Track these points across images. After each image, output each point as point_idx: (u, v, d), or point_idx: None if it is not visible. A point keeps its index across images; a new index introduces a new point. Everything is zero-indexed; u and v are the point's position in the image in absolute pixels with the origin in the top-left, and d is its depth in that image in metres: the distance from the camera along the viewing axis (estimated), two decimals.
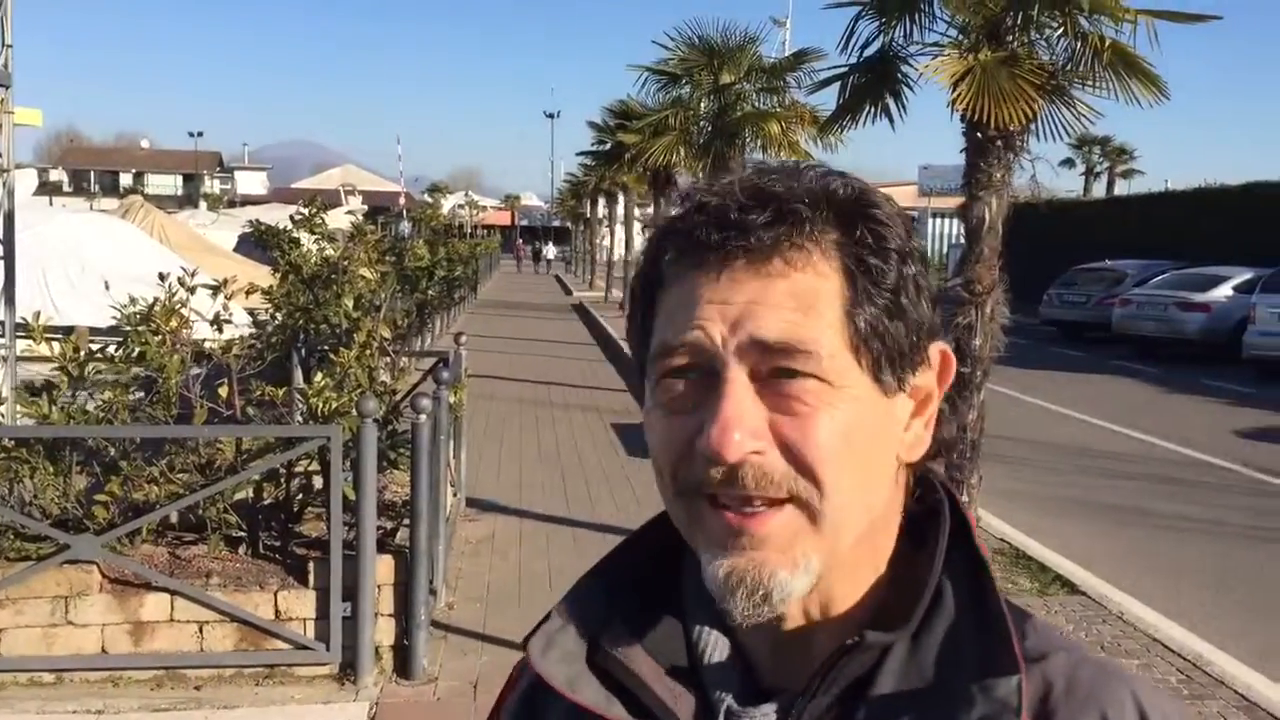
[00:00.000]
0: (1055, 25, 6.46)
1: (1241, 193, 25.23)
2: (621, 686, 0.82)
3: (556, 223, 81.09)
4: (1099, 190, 47.57)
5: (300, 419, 5.69)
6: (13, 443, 5.23)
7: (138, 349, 5.51)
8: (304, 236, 8.25)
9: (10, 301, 7.69)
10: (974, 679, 0.76)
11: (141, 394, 5.55)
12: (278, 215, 15.79)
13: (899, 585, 0.82)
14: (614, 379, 15.51)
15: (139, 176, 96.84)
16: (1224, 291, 18.75)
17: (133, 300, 5.71)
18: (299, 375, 7.24)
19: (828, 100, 9.87)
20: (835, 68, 7.55)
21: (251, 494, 5.40)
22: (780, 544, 0.76)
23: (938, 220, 42.70)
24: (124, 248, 12.96)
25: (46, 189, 69.09)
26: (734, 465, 0.74)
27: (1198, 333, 18.64)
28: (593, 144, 27.98)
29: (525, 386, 14.25)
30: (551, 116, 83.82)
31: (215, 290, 6.11)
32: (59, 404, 5.26)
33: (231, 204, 66.06)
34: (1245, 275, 18.68)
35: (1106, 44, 6.30)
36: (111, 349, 5.66)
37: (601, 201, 40.48)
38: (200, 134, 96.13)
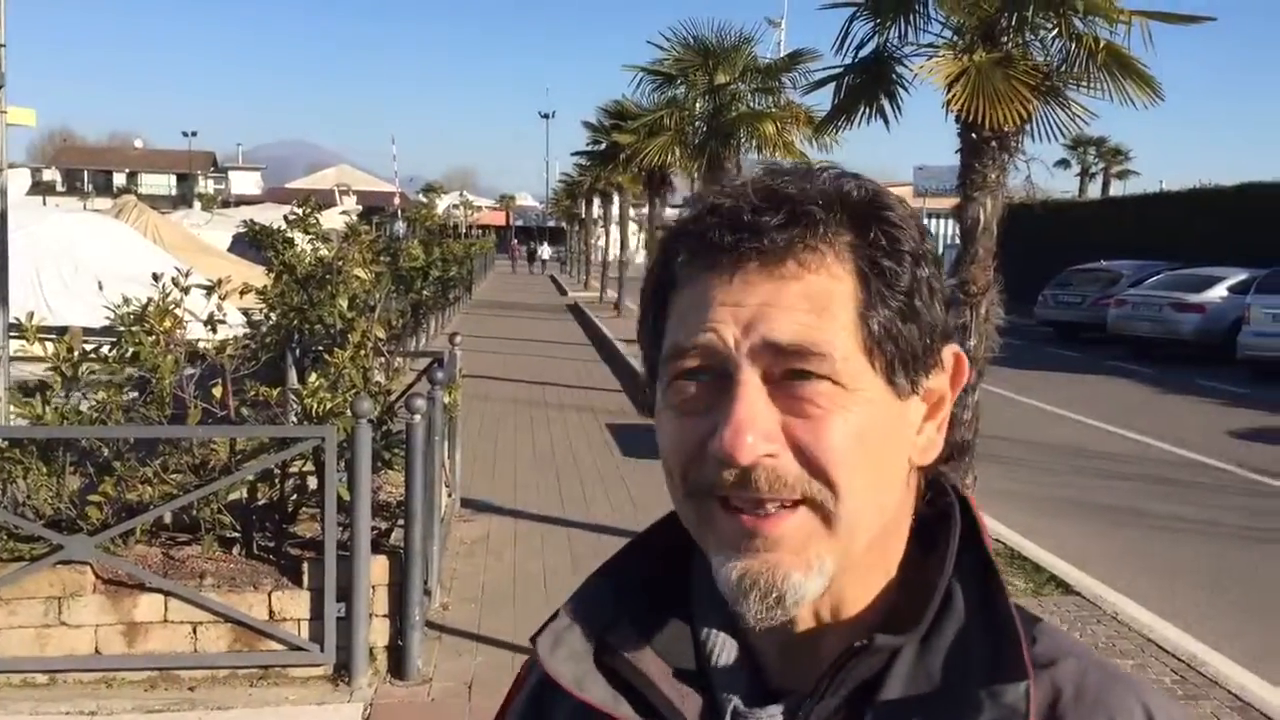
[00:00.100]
0: (1050, 26, 6.47)
1: (1236, 193, 25.34)
2: (629, 686, 0.82)
3: (551, 223, 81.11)
4: (1094, 191, 47.75)
5: (295, 419, 5.68)
6: (6, 443, 5.21)
7: (131, 349, 5.49)
8: (298, 236, 8.24)
9: (3, 301, 7.65)
10: (982, 684, 0.75)
11: (135, 394, 5.54)
12: (272, 215, 15.77)
13: (909, 588, 0.82)
14: (609, 379, 15.51)
15: (133, 176, 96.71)
16: (1219, 292, 18.80)
17: (126, 300, 5.69)
18: (293, 375, 7.23)
19: (823, 101, 9.90)
20: (830, 68, 7.58)
21: (246, 494, 5.38)
22: (794, 546, 0.75)
23: (933, 221, 42.65)
24: (118, 248, 12.91)
25: (40, 189, 68.95)
26: (747, 468, 0.74)
27: (1193, 333, 18.68)
28: (588, 144, 28.03)
29: (520, 387, 14.25)
30: (547, 117, 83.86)
31: (209, 290, 6.10)
32: (53, 404, 5.24)
33: (225, 204, 66.06)
34: (1240, 276, 18.73)
35: (1101, 45, 6.31)
36: (105, 349, 5.64)
37: (596, 202, 40.50)
38: (194, 133, 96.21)
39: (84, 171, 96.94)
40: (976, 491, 6.72)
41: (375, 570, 5.04)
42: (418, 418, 5.24)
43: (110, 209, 21.74)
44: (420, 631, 5.12)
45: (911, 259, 0.78)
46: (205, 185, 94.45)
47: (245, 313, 7.77)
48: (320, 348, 7.01)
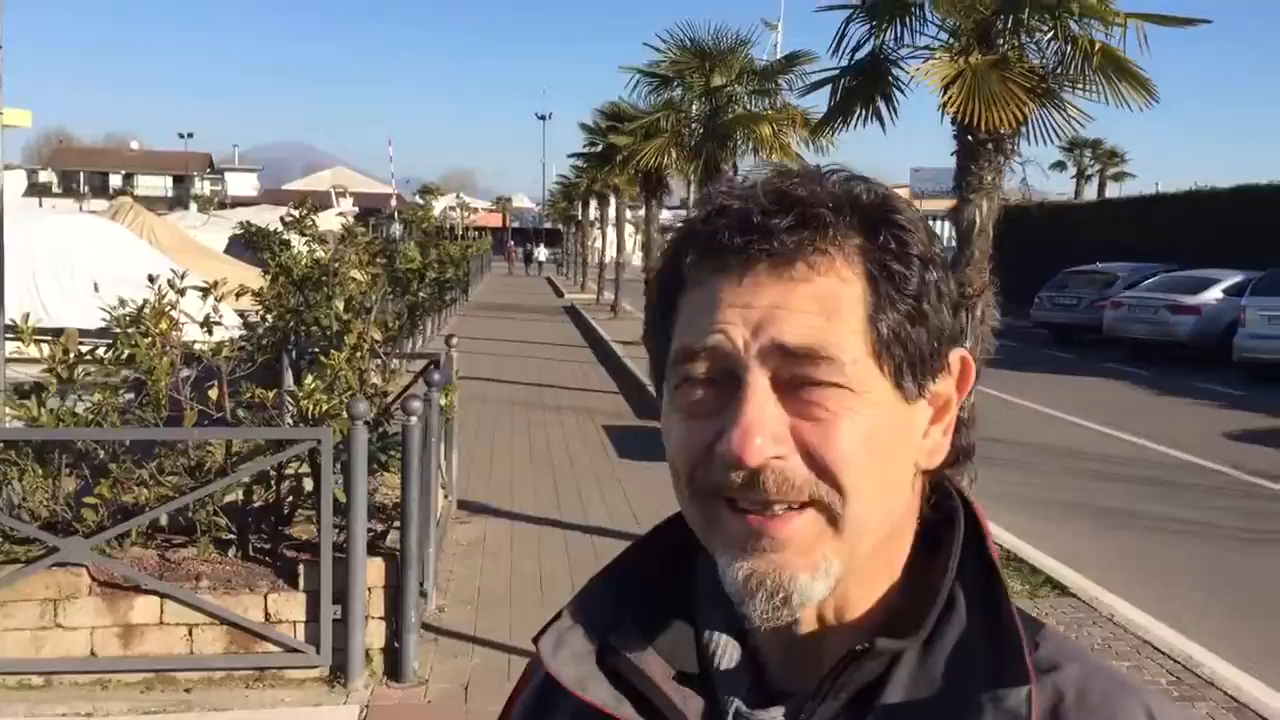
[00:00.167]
0: (1045, 29, 6.48)
1: (1232, 195, 25.39)
2: (631, 687, 0.82)
3: (548, 225, 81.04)
4: (1090, 193, 47.73)
5: (290, 421, 5.67)
6: (1, 445, 5.20)
7: (127, 351, 5.49)
8: (294, 238, 8.24)
9: None
10: (984, 689, 0.75)
11: (131, 396, 5.53)
12: (268, 217, 15.77)
13: (912, 592, 0.82)
14: (605, 381, 15.51)
15: (129, 178, 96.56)
16: (1214, 294, 18.82)
17: (122, 302, 5.69)
18: (289, 377, 7.23)
19: (819, 103, 9.86)
20: (827, 70, 7.57)
21: (241, 496, 5.37)
22: (801, 547, 0.76)
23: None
24: (114, 249, 12.89)
25: (36, 190, 68.94)
26: (755, 470, 0.74)
27: (1188, 335, 18.71)
28: (584, 146, 28.05)
29: (516, 389, 14.24)
30: (543, 118, 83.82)
31: (205, 292, 6.09)
32: (48, 406, 5.23)
33: (222, 205, 65.85)
34: (1235, 278, 18.76)
35: (1096, 47, 6.32)
36: (101, 351, 5.63)
37: (593, 203, 40.46)
38: (190, 135, 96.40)
39: (80, 173, 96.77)
40: (973, 493, 6.72)
41: (371, 572, 5.03)
42: (414, 420, 5.23)
43: (106, 210, 21.69)
44: (416, 633, 5.12)
45: (920, 263, 0.78)
46: (202, 187, 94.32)
47: (241, 314, 7.77)
48: (316, 349, 7.01)
